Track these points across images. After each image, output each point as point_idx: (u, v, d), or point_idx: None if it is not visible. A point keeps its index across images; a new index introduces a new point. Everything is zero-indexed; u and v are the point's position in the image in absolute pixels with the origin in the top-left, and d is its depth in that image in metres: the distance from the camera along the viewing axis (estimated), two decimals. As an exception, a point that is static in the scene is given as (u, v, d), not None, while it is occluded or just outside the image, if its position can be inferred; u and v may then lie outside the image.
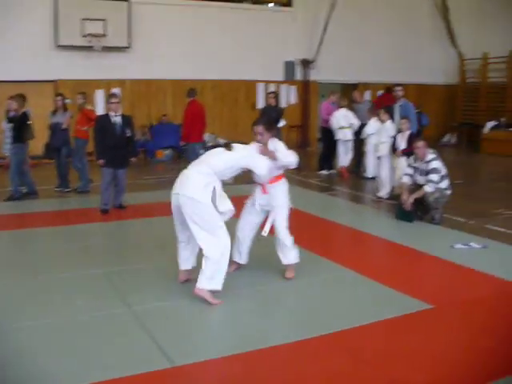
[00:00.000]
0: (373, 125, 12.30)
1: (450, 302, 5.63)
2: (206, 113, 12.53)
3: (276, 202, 6.16)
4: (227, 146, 5.87)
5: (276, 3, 19.03)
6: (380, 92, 18.19)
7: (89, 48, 15.53)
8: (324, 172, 13.75)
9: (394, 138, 10.31)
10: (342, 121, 13.16)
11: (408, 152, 9.58)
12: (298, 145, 19.34)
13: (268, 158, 5.93)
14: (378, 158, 10.94)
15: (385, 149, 10.61)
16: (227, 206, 5.55)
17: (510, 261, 7.03)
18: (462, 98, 21.03)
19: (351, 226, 8.72)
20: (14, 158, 10.48)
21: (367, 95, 18.82)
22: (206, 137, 15.58)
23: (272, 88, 17.58)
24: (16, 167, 10.40)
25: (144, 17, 16.30)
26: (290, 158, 6.07)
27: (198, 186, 5.41)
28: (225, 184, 5.73)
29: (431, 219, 8.67)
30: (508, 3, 19.09)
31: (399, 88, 11.02)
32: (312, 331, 4.85)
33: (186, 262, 5.99)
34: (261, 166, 5.84)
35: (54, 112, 11.25)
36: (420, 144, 8.63)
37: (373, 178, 12.47)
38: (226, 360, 4.38)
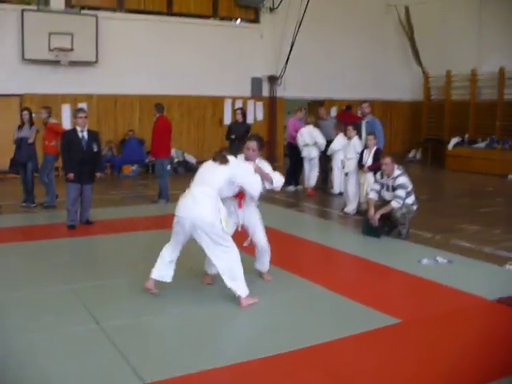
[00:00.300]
0: (339, 141, 12.40)
1: (417, 316, 5.69)
2: (173, 128, 12.52)
3: (254, 215, 6.42)
4: (223, 159, 5.93)
5: (243, 19, 19.12)
6: (334, 108, 18.43)
7: (56, 62, 15.43)
8: (291, 188, 13.80)
9: (361, 154, 10.41)
10: (308, 138, 13.19)
11: (375, 168, 9.69)
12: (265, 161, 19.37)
13: (261, 179, 6.08)
14: (346, 174, 11.02)
15: (352, 165, 10.71)
16: (230, 229, 6.07)
17: (475, 275, 7.13)
18: (426, 115, 21.35)
19: (319, 242, 8.75)
20: None
21: (333, 112, 19.01)
22: (173, 152, 15.58)
23: (239, 104, 17.63)
24: None
25: (111, 32, 16.26)
26: (279, 180, 6.32)
27: (212, 211, 5.66)
28: None
29: (398, 234, 8.77)
30: (470, 22, 19.44)
31: (366, 104, 11.16)
32: (282, 347, 4.85)
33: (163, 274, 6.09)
34: (255, 187, 6.03)
35: (20, 126, 11.13)
36: (388, 160, 8.72)
37: (340, 194, 12.57)
38: (196, 376, 4.35)
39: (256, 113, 19.16)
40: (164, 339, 5.07)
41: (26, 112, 11.23)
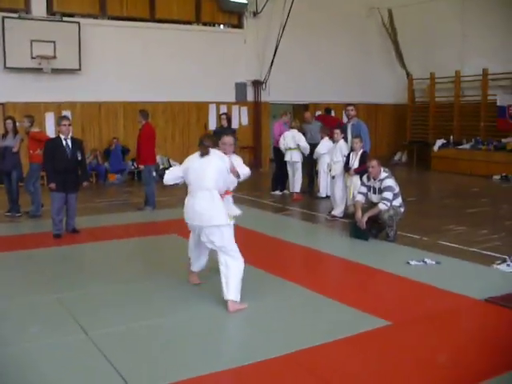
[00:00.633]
0: (325, 144, 12.41)
1: (407, 318, 5.67)
2: (158, 135, 12.47)
3: (232, 213, 6.38)
4: (204, 149, 6.02)
5: (227, 25, 19.10)
6: (319, 112, 18.47)
7: (38, 70, 15.29)
8: (277, 192, 13.79)
9: (347, 156, 10.41)
10: (290, 142, 13.19)
11: (361, 171, 9.69)
12: (251, 165, 19.33)
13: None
14: (332, 177, 11.00)
15: (338, 168, 10.70)
16: (236, 211, 6.50)
17: (463, 275, 7.14)
18: (411, 117, 21.43)
19: (307, 246, 8.72)
20: None
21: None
22: (159, 159, 15.53)
23: (224, 109, 17.60)
24: None
25: (94, 39, 16.17)
26: (246, 174, 6.56)
27: (220, 211, 5.88)
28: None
29: (386, 237, 8.76)
30: (453, 25, 19.57)
31: (351, 107, 11.16)
32: (271, 351, 4.81)
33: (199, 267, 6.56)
34: (232, 180, 6.35)
35: (4, 135, 11.02)
36: (374, 163, 8.72)
37: (326, 197, 12.58)
38: (186, 383, 4.31)
39: (241, 118, 19.14)
40: (153, 346, 5.00)
41: (9, 121, 11.11)
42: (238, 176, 6.42)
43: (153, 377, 4.41)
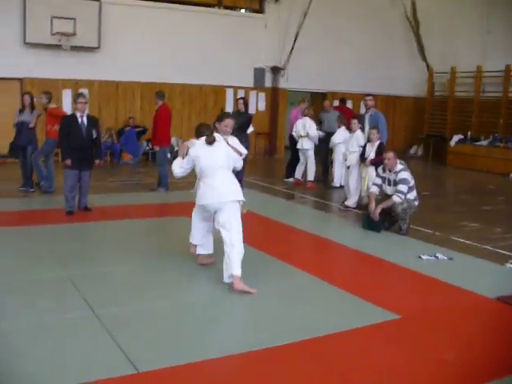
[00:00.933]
0: (341, 134, 12.34)
1: (416, 312, 5.62)
2: (174, 116, 12.43)
3: None
4: (211, 137, 6.25)
5: (248, 9, 18.99)
6: (336, 102, 18.31)
7: (57, 47, 15.27)
8: (291, 180, 13.73)
9: (364, 147, 10.33)
10: (301, 130, 13.17)
11: (377, 162, 9.61)
12: (266, 152, 19.34)
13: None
14: (348, 167, 10.93)
15: (354, 158, 10.63)
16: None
17: (475, 273, 7.06)
18: (429, 111, 21.24)
19: (319, 234, 8.67)
20: None
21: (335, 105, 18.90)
22: (173, 141, 15.49)
23: (241, 94, 17.52)
24: None
25: (115, 17, 16.09)
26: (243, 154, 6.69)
27: (236, 188, 6.17)
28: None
29: (398, 229, 8.70)
30: (477, 19, 19.36)
31: (369, 97, 11.06)
32: (278, 339, 4.79)
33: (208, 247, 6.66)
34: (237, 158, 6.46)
35: (21, 110, 11.03)
36: (390, 155, 8.64)
37: (340, 187, 12.52)
38: (191, 367, 4.29)
39: (258, 103, 19.06)
40: (160, 328, 4.99)
41: (27, 96, 11.11)
42: (240, 154, 6.51)
43: (158, 358, 4.38)
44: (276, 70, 19.17)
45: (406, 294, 6.28)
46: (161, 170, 11.73)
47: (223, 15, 18.25)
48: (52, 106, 11.27)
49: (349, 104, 18.86)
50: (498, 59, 18.27)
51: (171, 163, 6.68)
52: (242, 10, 19.01)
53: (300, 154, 13.47)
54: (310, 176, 13.32)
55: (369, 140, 10.27)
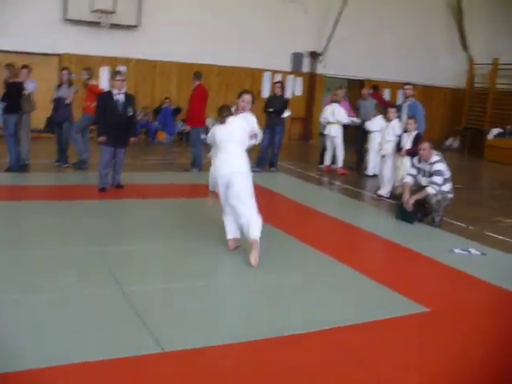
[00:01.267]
0: (377, 122, 12.21)
1: (446, 306, 5.54)
2: (210, 98, 12.39)
3: None
4: (223, 118, 6.68)
5: (289, -7, 18.82)
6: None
7: (97, 24, 15.35)
8: (323, 166, 13.64)
9: (400, 137, 10.20)
10: (330, 116, 13.10)
11: (412, 152, 9.48)
12: (301, 137, 19.25)
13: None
14: (382, 156, 10.81)
15: (389, 148, 10.50)
16: None
17: (508, 269, 6.95)
18: (468, 103, 20.89)
19: (350, 223, 8.58)
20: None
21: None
22: (208, 122, 15.48)
23: (279, 78, 17.42)
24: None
25: (155, -3, 16.13)
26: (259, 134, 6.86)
27: (246, 163, 6.52)
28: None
29: (431, 221, 8.59)
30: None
31: (409, 86, 10.92)
32: (303, 326, 4.76)
33: (235, 232, 6.61)
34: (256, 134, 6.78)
35: (59, 86, 11.11)
36: (426, 145, 8.52)
37: (373, 176, 12.41)
38: (215, 349, 4.28)
39: (295, 88, 18.96)
40: (186, 309, 4.99)
41: (65, 72, 11.19)
42: (255, 137, 6.73)
43: (183, 339, 4.38)
44: (314, 55, 19.05)
45: (437, 287, 6.19)
46: (194, 150, 11.74)
47: (265, -1, 18.12)
48: (92, 82, 11.29)
49: (386, 93, 18.65)
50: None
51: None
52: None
53: (327, 140, 13.43)
54: (340, 162, 13.27)
55: (406, 130, 10.14)
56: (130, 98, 9.49)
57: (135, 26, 15.92)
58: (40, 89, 11.54)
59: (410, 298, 5.56)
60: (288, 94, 16.69)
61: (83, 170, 10.96)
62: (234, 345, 4.36)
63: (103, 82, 15.14)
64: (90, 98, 10.83)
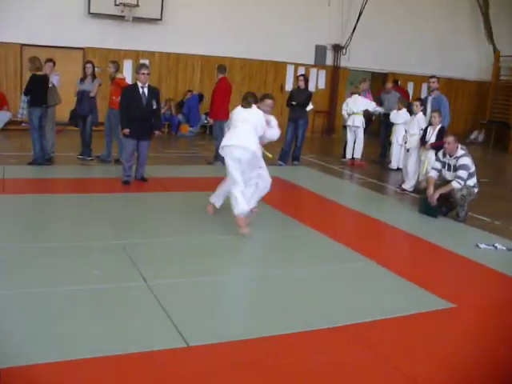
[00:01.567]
0: (402, 115, 12.13)
1: (471, 302, 5.48)
2: (234, 91, 12.37)
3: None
4: (247, 103, 6.99)
5: (312, -14, 18.73)
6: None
7: (120, 17, 15.41)
8: (347, 159, 13.59)
9: (425, 130, 10.12)
10: (353, 107, 13.17)
11: (437, 146, 9.40)
12: (324, 130, 19.18)
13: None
14: (407, 150, 10.73)
15: (414, 141, 10.42)
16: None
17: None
18: (493, 96, 20.64)
19: (374, 217, 8.53)
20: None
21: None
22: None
23: (302, 71, 17.35)
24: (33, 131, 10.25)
25: (178, -10, 16.13)
26: (275, 133, 7.21)
27: (253, 143, 6.83)
28: None
29: (456, 216, 8.51)
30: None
31: (433, 79, 10.84)
32: (329, 321, 4.73)
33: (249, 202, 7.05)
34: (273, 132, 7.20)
35: (83, 79, 11.14)
36: (450, 139, 8.44)
37: (397, 170, 12.33)
38: (239, 344, 4.27)
39: (318, 81, 18.89)
40: (212, 303, 5.00)
41: (89, 65, 11.21)
42: (269, 124, 7.08)
43: (207, 333, 4.37)
44: (338, 49, 18.95)
45: (462, 282, 6.14)
46: (217, 143, 11.72)
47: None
48: (119, 76, 11.26)
49: (410, 86, 18.53)
50: None
51: None
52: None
53: (348, 132, 13.45)
54: (358, 153, 13.25)
55: (430, 123, 10.05)
56: (154, 92, 9.50)
57: (158, 20, 15.93)
58: (63, 82, 11.60)
59: (434, 294, 5.50)
60: (311, 88, 16.65)
61: (107, 163, 11.00)
62: (256, 340, 4.34)
63: (127, 75, 15.18)
64: (117, 91, 10.61)
